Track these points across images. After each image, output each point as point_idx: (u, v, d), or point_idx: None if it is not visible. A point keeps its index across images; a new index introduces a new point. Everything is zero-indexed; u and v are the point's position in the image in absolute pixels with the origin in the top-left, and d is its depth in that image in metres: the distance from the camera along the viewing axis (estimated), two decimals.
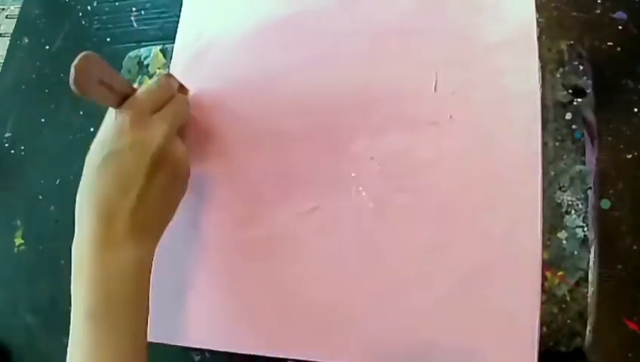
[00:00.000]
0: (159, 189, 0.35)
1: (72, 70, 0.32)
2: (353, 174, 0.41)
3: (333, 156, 0.41)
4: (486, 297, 0.36)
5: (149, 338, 0.42)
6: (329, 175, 0.41)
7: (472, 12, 0.42)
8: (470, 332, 0.36)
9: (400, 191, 0.40)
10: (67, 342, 0.46)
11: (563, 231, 0.38)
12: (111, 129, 0.34)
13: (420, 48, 0.42)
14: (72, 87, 0.32)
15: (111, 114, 0.34)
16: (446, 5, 0.42)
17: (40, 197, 0.52)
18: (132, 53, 0.52)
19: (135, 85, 0.38)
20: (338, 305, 0.39)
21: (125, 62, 0.52)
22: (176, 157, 0.36)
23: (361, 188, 0.40)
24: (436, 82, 0.41)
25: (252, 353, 0.40)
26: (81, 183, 0.34)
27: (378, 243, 0.39)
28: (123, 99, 0.35)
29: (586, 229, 0.38)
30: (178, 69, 0.47)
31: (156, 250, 0.44)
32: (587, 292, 0.36)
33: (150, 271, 0.34)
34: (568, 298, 0.37)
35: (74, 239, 0.33)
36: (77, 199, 0.34)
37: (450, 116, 0.40)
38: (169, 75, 0.40)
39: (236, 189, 0.43)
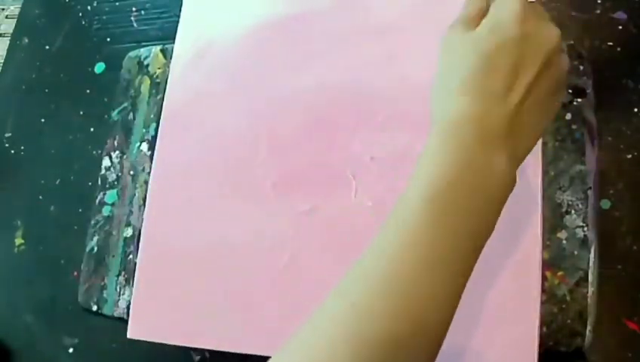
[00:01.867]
0: (543, 93, 0.30)
1: None
2: (353, 174, 0.41)
3: (332, 155, 0.41)
4: (486, 297, 0.36)
5: (150, 338, 0.42)
6: (328, 174, 0.41)
7: None
8: (470, 333, 0.36)
9: (399, 191, 0.39)
10: (67, 342, 0.46)
11: (563, 231, 0.38)
12: (506, 15, 0.30)
13: (421, 48, 0.42)
14: None
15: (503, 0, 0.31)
16: (446, 5, 0.42)
17: (40, 197, 0.52)
18: (132, 53, 0.52)
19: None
20: None
21: (125, 62, 0.52)
22: (563, 63, 0.32)
23: (360, 188, 0.40)
24: None
25: (252, 353, 0.40)
26: (461, 62, 0.30)
27: None
28: None
29: (586, 229, 0.38)
30: (178, 69, 0.47)
31: (158, 249, 0.44)
32: (587, 292, 0.36)
33: (511, 190, 0.29)
34: (568, 298, 0.37)
35: (438, 115, 0.30)
36: (447, 78, 0.30)
37: None
38: None
39: (236, 188, 0.43)
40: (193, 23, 0.48)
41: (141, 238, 0.44)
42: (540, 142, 0.38)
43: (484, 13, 0.31)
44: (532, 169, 0.38)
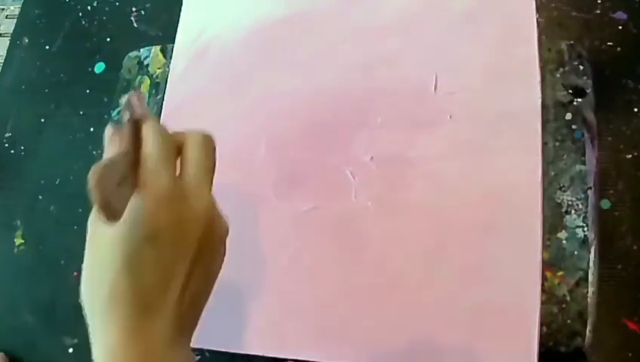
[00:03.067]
0: (203, 270, 0.28)
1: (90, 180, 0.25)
2: (352, 173, 0.41)
3: (333, 155, 0.41)
4: (486, 297, 0.36)
5: None
6: (329, 174, 0.41)
7: (473, 13, 0.42)
8: (470, 332, 0.36)
9: (399, 191, 0.40)
10: (67, 342, 0.46)
11: (563, 231, 0.38)
12: (140, 213, 0.26)
13: (421, 49, 0.42)
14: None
15: (136, 195, 0.26)
16: (447, 6, 0.42)
17: (40, 197, 0.52)
18: (132, 53, 0.52)
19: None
20: (337, 305, 0.39)
21: (125, 62, 0.52)
22: (220, 228, 0.29)
23: (360, 188, 0.40)
24: (436, 82, 0.41)
25: (252, 353, 0.40)
26: (106, 269, 0.26)
27: (377, 243, 0.39)
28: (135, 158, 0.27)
29: (586, 229, 0.38)
30: (178, 68, 0.47)
31: None
32: (587, 292, 0.36)
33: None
34: (568, 298, 0.37)
35: (96, 348, 0.26)
36: (96, 290, 0.27)
37: (450, 116, 0.40)
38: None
39: (236, 188, 0.43)
40: (193, 23, 0.49)
41: None
42: (539, 141, 0.38)
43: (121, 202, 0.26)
44: (532, 169, 0.38)
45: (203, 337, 0.41)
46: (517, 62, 0.40)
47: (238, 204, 0.42)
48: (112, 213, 0.25)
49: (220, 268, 0.30)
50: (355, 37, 0.43)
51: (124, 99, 0.27)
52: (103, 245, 0.26)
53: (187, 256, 0.26)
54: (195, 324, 0.29)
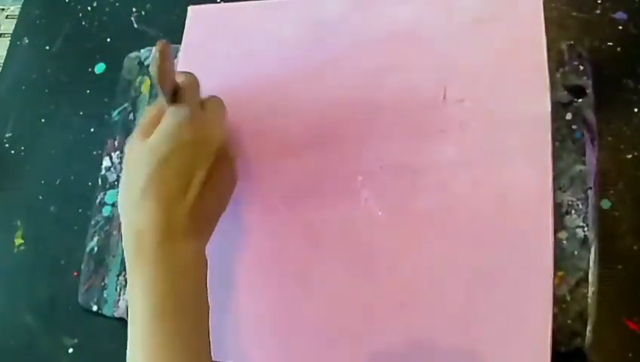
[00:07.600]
0: (216, 183, 0.35)
1: (156, 55, 0.32)
2: (362, 183, 0.40)
3: (342, 165, 0.41)
4: (498, 306, 0.36)
5: None
6: (338, 184, 0.41)
7: (481, 19, 0.41)
8: (483, 343, 0.36)
9: (409, 200, 0.39)
10: (67, 342, 0.46)
11: (563, 231, 0.38)
12: (175, 124, 0.33)
13: (429, 56, 0.41)
14: (153, 72, 0.32)
15: (172, 108, 0.34)
16: (455, 12, 0.42)
17: (40, 197, 0.52)
18: (132, 54, 0.52)
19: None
20: (345, 316, 0.39)
21: (125, 63, 0.52)
22: (230, 155, 0.38)
23: (370, 197, 0.40)
24: (445, 90, 0.40)
25: None
26: (141, 171, 0.33)
27: (388, 252, 0.39)
28: (174, 92, 0.35)
29: (586, 229, 0.38)
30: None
31: None
32: (587, 292, 0.36)
33: (207, 264, 0.35)
34: (568, 298, 0.37)
35: (127, 228, 0.33)
36: (131, 188, 0.33)
37: (460, 124, 0.40)
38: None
39: (244, 200, 0.42)
40: (197, 35, 0.47)
41: None
42: (549, 148, 0.37)
43: (158, 121, 0.34)
44: (542, 176, 0.37)
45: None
46: (526, 68, 0.39)
47: (246, 214, 0.42)
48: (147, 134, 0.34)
49: (231, 190, 0.39)
50: (364, 45, 0.43)
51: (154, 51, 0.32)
52: (139, 152, 0.34)
53: (203, 168, 0.34)
54: (209, 232, 0.36)
